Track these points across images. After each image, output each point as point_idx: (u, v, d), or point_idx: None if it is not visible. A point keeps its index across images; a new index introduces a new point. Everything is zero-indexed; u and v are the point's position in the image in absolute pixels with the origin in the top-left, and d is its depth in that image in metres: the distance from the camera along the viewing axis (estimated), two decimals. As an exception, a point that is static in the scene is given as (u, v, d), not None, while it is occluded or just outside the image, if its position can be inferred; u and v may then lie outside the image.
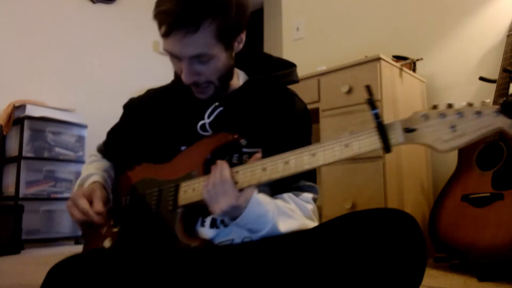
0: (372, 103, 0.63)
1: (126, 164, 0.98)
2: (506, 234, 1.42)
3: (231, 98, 0.89)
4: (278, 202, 0.79)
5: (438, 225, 1.66)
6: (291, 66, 0.94)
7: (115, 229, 0.90)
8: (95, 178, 0.93)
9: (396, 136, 0.61)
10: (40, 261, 2.05)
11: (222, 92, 0.87)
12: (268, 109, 0.89)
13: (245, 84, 0.91)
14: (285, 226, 0.75)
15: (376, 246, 0.63)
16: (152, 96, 0.99)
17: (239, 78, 0.94)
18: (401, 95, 1.93)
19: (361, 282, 0.63)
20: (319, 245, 0.69)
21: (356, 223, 0.68)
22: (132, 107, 1.01)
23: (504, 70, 1.73)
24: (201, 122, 0.87)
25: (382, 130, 0.62)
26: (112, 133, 1.04)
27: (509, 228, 1.43)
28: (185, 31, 0.73)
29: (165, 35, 0.75)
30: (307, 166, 0.67)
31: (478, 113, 0.55)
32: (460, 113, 0.57)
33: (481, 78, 1.91)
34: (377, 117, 0.62)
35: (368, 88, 0.64)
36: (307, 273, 0.67)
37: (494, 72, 1.87)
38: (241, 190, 0.72)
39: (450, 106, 0.59)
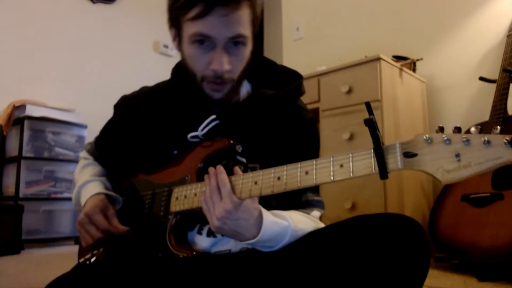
0: (371, 123, 0.56)
1: (119, 167, 0.95)
2: (506, 234, 1.42)
3: (231, 111, 0.82)
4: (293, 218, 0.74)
5: (438, 225, 1.66)
6: (298, 77, 0.87)
7: None
8: (96, 188, 0.88)
9: (394, 161, 0.56)
10: (40, 261, 2.05)
11: (232, 94, 0.81)
12: (273, 124, 0.83)
13: (251, 97, 0.84)
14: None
15: (381, 252, 0.62)
16: (146, 96, 0.92)
17: (241, 87, 0.86)
18: (401, 95, 1.93)
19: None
20: (322, 253, 0.67)
21: (360, 230, 0.66)
22: (124, 107, 0.95)
23: (504, 70, 1.73)
24: (193, 134, 0.82)
25: (379, 154, 0.56)
26: (104, 134, 0.99)
27: (509, 228, 1.43)
28: (228, 9, 0.70)
29: (202, 14, 0.70)
30: (297, 185, 0.63)
31: (487, 142, 0.50)
32: (467, 140, 0.51)
33: (481, 78, 1.91)
34: (376, 139, 0.56)
35: (368, 106, 0.58)
36: (311, 282, 0.65)
37: (494, 72, 1.88)
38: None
39: (458, 130, 0.53)
